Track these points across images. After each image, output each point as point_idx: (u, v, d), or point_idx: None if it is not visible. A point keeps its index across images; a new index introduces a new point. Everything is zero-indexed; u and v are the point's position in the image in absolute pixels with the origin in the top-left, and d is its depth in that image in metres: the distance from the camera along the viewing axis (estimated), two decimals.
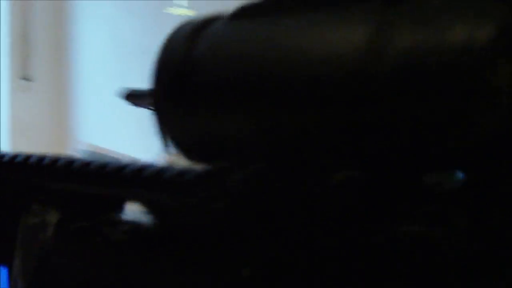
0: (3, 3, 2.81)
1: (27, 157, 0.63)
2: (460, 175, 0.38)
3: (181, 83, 0.44)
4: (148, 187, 0.50)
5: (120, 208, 0.53)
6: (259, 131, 0.42)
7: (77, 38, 2.86)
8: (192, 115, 0.44)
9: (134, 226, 0.51)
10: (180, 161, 0.49)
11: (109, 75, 2.70)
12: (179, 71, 0.44)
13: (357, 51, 0.37)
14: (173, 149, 0.46)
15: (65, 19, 2.90)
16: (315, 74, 0.39)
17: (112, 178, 0.53)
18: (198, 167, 0.47)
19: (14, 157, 0.65)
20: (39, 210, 0.57)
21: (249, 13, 0.44)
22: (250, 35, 0.43)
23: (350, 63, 0.37)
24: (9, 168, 0.64)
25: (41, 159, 0.61)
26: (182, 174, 0.48)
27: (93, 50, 2.82)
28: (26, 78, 2.71)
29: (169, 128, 0.45)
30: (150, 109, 0.48)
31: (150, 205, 0.50)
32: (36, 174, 0.61)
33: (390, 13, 0.37)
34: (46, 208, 0.57)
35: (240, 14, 0.44)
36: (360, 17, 0.38)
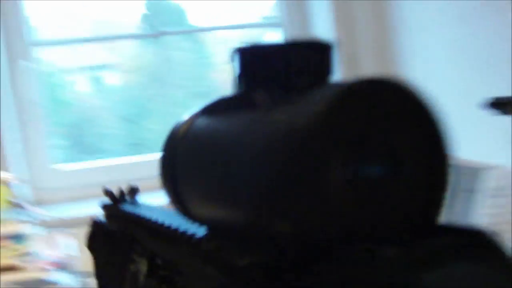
0: (329, 25, 2.93)
1: (133, 213, 0.74)
2: None
3: (174, 165, 0.54)
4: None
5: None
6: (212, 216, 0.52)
7: (409, 49, 2.84)
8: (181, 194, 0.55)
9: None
10: None
11: (450, 87, 2.58)
12: (173, 155, 0.55)
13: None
14: None
15: (393, 34, 2.91)
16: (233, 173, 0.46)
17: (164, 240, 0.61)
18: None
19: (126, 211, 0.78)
20: (137, 259, 0.66)
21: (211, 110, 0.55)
22: (208, 129, 0.53)
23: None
24: (120, 219, 0.78)
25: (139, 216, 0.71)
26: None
27: (430, 64, 2.74)
28: None
29: (172, 199, 0.56)
30: None
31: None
32: (134, 227, 0.72)
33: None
34: (141, 258, 0.65)
35: (206, 110, 0.55)
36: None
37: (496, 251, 0.40)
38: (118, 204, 0.83)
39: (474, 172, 1.69)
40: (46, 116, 2.92)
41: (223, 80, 3.39)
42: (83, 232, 0.86)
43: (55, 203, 2.76)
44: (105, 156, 3.10)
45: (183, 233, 0.56)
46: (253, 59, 0.51)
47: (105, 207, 0.84)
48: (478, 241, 0.41)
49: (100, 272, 0.84)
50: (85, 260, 2.42)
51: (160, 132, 3.18)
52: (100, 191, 2.59)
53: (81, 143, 3.15)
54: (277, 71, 0.50)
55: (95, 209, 0.82)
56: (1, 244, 2.04)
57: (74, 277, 2.17)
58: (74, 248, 2.24)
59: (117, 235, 0.77)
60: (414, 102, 0.44)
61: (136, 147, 3.16)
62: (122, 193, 0.84)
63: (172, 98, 3.21)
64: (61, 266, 2.17)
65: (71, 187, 2.86)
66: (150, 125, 3.22)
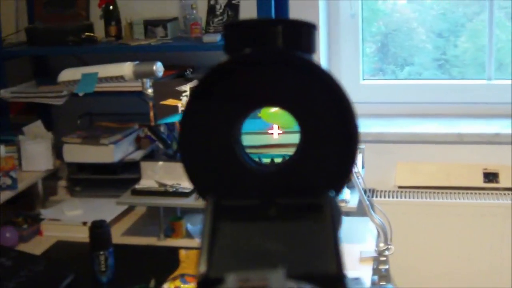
0: None
1: None
2: None
3: None
4: None
5: None
6: None
7: None
8: None
9: None
10: None
11: None
12: None
13: None
14: None
15: None
16: None
17: None
18: None
19: None
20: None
21: None
22: None
23: None
24: None
25: None
26: None
27: None
28: None
29: None
30: None
31: None
32: None
33: None
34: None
35: None
36: None
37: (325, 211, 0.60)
38: None
39: None
40: (361, 28, 2.95)
41: None
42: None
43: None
44: (412, 69, 3.08)
45: None
46: (241, 32, 0.61)
47: None
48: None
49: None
50: (367, 177, 2.44)
51: (470, 51, 3.06)
52: (403, 111, 2.58)
53: (390, 53, 3.14)
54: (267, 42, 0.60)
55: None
56: None
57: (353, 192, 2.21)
58: (358, 164, 2.27)
59: None
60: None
61: (444, 62, 3.08)
62: None
63: (490, 18, 3.04)
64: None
65: (376, 102, 2.88)
66: (461, 43, 3.10)
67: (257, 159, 0.68)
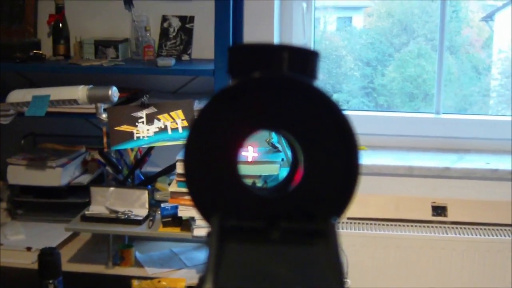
0: None
1: None
2: None
3: None
4: None
5: None
6: None
7: None
8: None
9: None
10: None
11: None
12: None
13: None
14: None
15: None
16: None
17: None
18: None
19: None
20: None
21: None
22: None
23: None
24: None
25: None
26: None
27: None
28: None
29: None
30: None
31: None
32: None
33: None
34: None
35: None
36: None
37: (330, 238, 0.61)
38: None
39: None
40: None
41: (474, 38, 3.28)
42: None
43: None
44: (340, 96, 3.16)
45: None
46: (246, 55, 0.63)
47: None
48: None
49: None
50: None
51: (396, 81, 3.16)
52: None
53: (318, 80, 3.20)
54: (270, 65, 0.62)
55: None
56: None
57: None
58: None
59: None
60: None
61: (371, 91, 3.17)
62: None
63: (417, 49, 3.16)
64: None
65: None
66: (388, 73, 3.21)
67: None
